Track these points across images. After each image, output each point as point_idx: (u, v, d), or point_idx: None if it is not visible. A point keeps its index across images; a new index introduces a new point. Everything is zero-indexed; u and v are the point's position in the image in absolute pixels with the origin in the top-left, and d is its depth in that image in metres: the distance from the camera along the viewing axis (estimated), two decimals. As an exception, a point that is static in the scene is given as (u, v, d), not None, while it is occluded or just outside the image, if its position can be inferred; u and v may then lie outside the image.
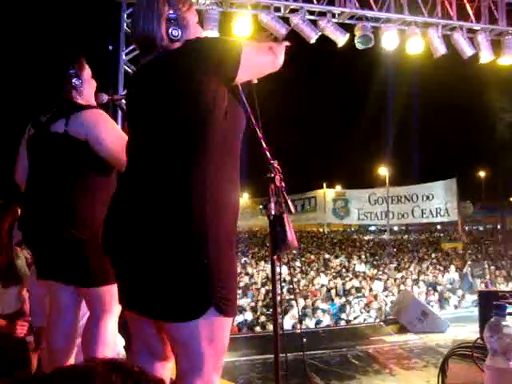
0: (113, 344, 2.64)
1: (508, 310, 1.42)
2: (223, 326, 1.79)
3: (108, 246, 1.90)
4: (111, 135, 2.60)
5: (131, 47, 7.22)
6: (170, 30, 1.92)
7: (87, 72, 2.81)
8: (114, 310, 2.64)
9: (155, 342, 1.93)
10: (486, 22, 8.58)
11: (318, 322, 10.01)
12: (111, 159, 2.57)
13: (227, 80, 1.85)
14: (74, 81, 2.71)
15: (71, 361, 2.69)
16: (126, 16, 7.39)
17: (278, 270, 2.12)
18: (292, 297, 10.65)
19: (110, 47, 6.82)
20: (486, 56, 8.60)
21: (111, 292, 2.57)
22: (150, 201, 1.77)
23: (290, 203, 2.00)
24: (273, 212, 1.98)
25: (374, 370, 5.32)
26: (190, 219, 1.72)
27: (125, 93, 2.35)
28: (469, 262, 17.19)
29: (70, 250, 2.56)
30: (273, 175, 2.00)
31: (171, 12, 1.94)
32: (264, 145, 2.08)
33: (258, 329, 9.56)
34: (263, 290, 13.08)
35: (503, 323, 1.37)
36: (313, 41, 7.85)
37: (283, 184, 2.01)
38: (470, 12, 8.50)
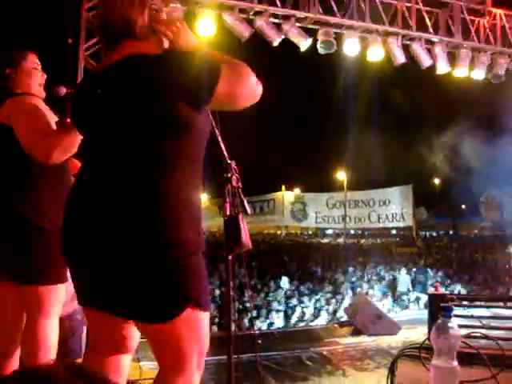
0: (54, 346, 2.56)
1: (454, 312, 1.47)
2: (201, 321, 1.80)
3: (72, 247, 1.85)
4: (26, 123, 2.49)
5: (92, 41, 7.08)
6: (152, 19, 1.86)
7: (28, 63, 2.72)
8: (53, 313, 2.55)
9: (121, 337, 1.91)
10: (443, 35, 8.84)
11: (271, 324, 10.05)
12: (27, 150, 2.43)
13: (198, 105, 1.78)
14: (7, 72, 2.66)
15: (15, 364, 2.60)
16: (87, 9, 7.23)
17: (239, 270, 2.13)
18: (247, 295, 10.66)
19: (70, 40, 6.66)
20: (442, 67, 8.86)
21: (53, 293, 2.51)
22: (120, 203, 1.74)
23: (246, 204, 2.01)
24: (228, 212, 1.98)
25: (327, 372, 5.40)
26: (164, 221, 1.71)
27: (80, 89, 2.16)
28: (421, 269, 17.63)
29: (9, 244, 2.48)
30: (229, 175, 1.99)
31: (154, 3, 1.88)
32: (222, 145, 2.08)
33: (214, 328, 9.52)
34: (217, 291, 13.03)
35: (449, 324, 1.41)
36: (276, 44, 7.89)
37: (240, 184, 2.01)
38: (429, 24, 8.73)
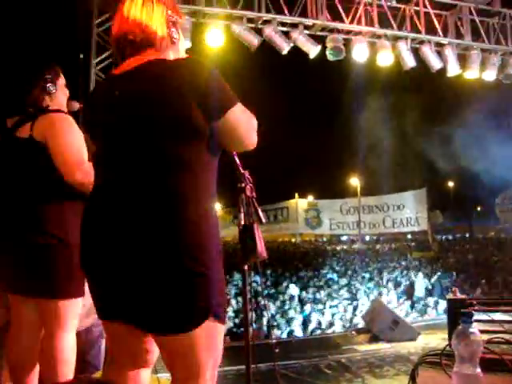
0: (72, 360, 2.56)
1: (474, 317, 1.45)
2: (218, 333, 1.79)
3: (91, 258, 1.84)
4: (68, 141, 2.51)
5: (102, 56, 7.16)
6: (171, 30, 1.86)
7: (62, 80, 2.76)
8: (71, 326, 2.55)
9: (140, 351, 1.90)
10: (452, 37, 8.81)
11: (290, 332, 10.00)
12: (61, 166, 2.46)
13: (211, 117, 1.77)
14: (48, 86, 2.66)
15: (34, 378, 2.61)
16: (97, 24, 7.32)
17: (255, 279, 2.12)
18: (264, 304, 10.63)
19: (81, 56, 6.75)
20: (453, 69, 8.83)
21: (71, 307, 2.51)
22: (140, 211, 1.73)
23: (260, 213, 2.00)
24: (242, 222, 1.97)
25: (346, 379, 5.34)
26: (186, 231, 1.71)
27: (94, 94, 2.11)
28: (439, 273, 17.47)
29: (33, 257, 2.48)
30: (243, 185, 1.99)
31: (170, 12, 1.87)
32: (235, 154, 2.08)
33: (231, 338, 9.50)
34: (233, 301, 13.01)
35: (470, 330, 1.39)
36: (285, 52, 7.92)
37: (254, 194, 2.01)
38: (438, 27, 8.72)
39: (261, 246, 1.94)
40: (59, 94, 2.73)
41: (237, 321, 11.13)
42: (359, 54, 8.29)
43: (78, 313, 2.60)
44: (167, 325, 1.71)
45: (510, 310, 2.74)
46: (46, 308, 2.52)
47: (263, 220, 2.00)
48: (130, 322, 1.79)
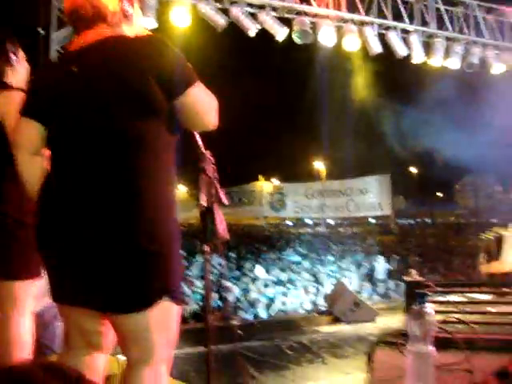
0: (28, 343, 2.51)
1: (431, 298, 1.49)
2: (174, 314, 1.78)
3: (47, 240, 1.80)
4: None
5: (64, 32, 6.93)
6: (123, 4, 1.81)
7: (21, 53, 2.65)
8: (27, 308, 2.48)
9: (96, 334, 1.88)
10: (418, 24, 8.91)
11: (253, 314, 10.09)
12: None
13: (171, 95, 1.75)
14: (11, 57, 2.53)
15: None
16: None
17: (218, 261, 2.11)
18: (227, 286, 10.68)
19: (41, 31, 6.51)
20: (418, 56, 8.93)
21: (28, 289, 2.46)
22: (96, 190, 1.69)
23: (221, 194, 1.99)
24: (203, 203, 1.95)
25: (307, 360, 5.45)
26: (143, 211, 1.68)
27: (46, 71, 2.02)
28: (398, 257, 17.88)
29: None
30: (204, 165, 1.97)
31: None
32: (197, 135, 2.06)
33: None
34: (198, 283, 13.00)
35: (425, 310, 1.43)
36: (252, 33, 7.85)
37: (216, 175, 1.99)
38: (404, 13, 8.79)
39: (222, 227, 1.94)
40: (20, 67, 2.63)
41: (202, 303, 11.13)
42: (326, 37, 8.29)
43: (34, 294, 2.54)
44: (121, 304, 1.69)
45: (465, 291, 2.83)
46: (1, 289, 2.46)
47: (225, 201, 1.98)
48: (84, 304, 1.76)
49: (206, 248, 2.00)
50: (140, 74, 1.70)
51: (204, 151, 2.01)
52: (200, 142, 2.04)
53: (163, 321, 1.73)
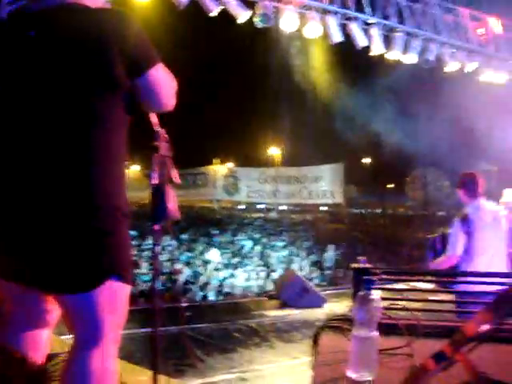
0: None
1: (377, 285, 1.52)
2: (123, 294, 1.75)
3: None
4: None
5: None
6: None
7: None
8: None
9: (40, 312, 1.82)
10: (379, 17, 9.01)
11: (202, 296, 10.10)
12: None
13: (133, 71, 1.71)
14: None
15: None
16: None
17: (169, 242, 2.09)
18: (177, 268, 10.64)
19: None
20: (377, 49, 9.05)
21: None
22: (46, 163, 1.63)
23: (174, 173, 1.96)
24: (155, 181, 1.92)
25: (254, 343, 5.51)
26: (89, 190, 1.64)
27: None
28: (346, 245, 18.28)
29: None
30: (158, 143, 1.93)
31: None
32: (152, 113, 2.01)
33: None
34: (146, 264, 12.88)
35: (370, 297, 1.46)
36: (213, 14, 7.73)
37: (169, 153, 1.96)
38: (366, 6, 8.86)
39: (172, 206, 1.91)
40: None
41: (150, 284, 11.02)
42: (288, 23, 8.27)
43: None
44: (69, 283, 1.65)
45: (411, 279, 2.92)
46: None
47: (176, 180, 1.95)
48: (30, 283, 1.71)
49: (156, 228, 1.97)
50: (103, 46, 1.64)
51: (158, 129, 1.97)
52: (155, 120, 2.00)
53: (112, 301, 1.70)
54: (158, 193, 1.91)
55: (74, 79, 1.64)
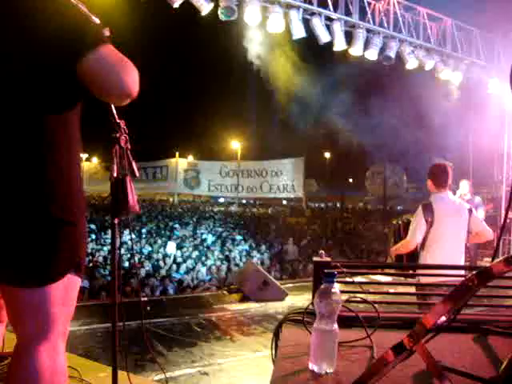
0: None
1: (337, 279, 1.53)
2: (75, 287, 1.72)
3: None
4: None
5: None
6: None
7: None
8: None
9: None
10: (341, 13, 9.09)
11: (164, 291, 10.01)
12: None
13: (73, 57, 1.58)
14: None
15: None
16: None
17: (129, 237, 2.04)
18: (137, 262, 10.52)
19: None
20: (339, 44, 9.13)
21: None
22: (6, 164, 1.58)
23: (134, 166, 1.92)
24: (115, 174, 1.88)
25: (215, 337, 5.50)
26: (45, 184, 1.60)
27: None
28: (307, 238, 18.48)
29: None
30: (117, 135, 1.88)
31: None
32: (111, 104, 1.96)
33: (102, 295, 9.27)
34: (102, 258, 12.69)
35: (331, 290, 1.47)
36: (176, 5, 7.63)
37: (129, 145, 1.91)
38: (329, 1, 8.92)
39: (133, 200, 1.87)
40: None
41: (110, 279, 10.86)
42: (251, 17, 8.24)
43: None
44: (27, 277, 1.61)
45: (370, 272, 2.97)
46: None
47: (137, 173, 1.92)
48: None
49: (116, 221, 1.94)
50: (41, 30, 1.57)
51: (118, 121, 1.92)
52: (114, 112, 1.94)
53: (65, 294, 1.67)
54: (118, 186, 1.87)
55: (14, 70, 1.58)
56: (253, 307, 6.95)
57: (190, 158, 30.76)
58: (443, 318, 1.18)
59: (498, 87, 11.02)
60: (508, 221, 10.07)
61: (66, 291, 1.66)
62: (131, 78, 1.65)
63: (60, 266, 1.63)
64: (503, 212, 11.20)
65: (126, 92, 1.65)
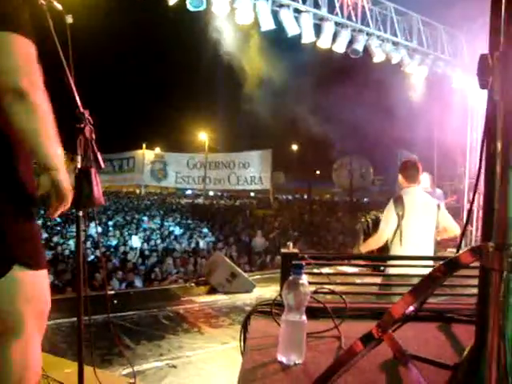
0: None
1: (305, 270, 1.53)
2: (36, 281, 1.67)
3: None
4: None
5: None
6: None
7: None
8: None
9: None
10: (311, 6, 9.10)
11: (130, 284, 9.91)
12: None
13: None
14: None
15: None
16: None
17: (95, 230, 2.00)
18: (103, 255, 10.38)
19: None
20: (308, 37, 9.15)
21: None
22: None
23: (99, 157, 1.87)
24: (79, 165, 1.83)
25: (183, 329, 5.47)
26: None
27: None
28: (274, 230, 18.55)
29: None
30: (82, 125, 1.83)
31: None
32: (75, 93, 1.90)
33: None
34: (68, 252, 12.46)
35: (300, 281, 1.48)
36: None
37: (93, 136, 1.86)
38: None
39: (98, 192, 1.82)
40: None
41: (75, 272, 10.67)
42: (219, 8, 8.17)
43: None
44: None
45: (337, 264, 3.00)
46: None
47: (102, 165, 1.87)
48: None
49: (80, 213, 1.89)
50: None
51: (82, 111, 1.87)
52: (78, 101, 1.89)
53: (23, 291, 1.63)
54: (83, 177, 1.82)
55: None
56: (221, 299, 6.95)
57: (157, 150, 30.43)
58: (411, 308, 1.19)
59: (461, 82, 11.26)
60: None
61: (21, 286, 1.62)
62: (28, 79, 1.53)
63: (2, 261, 1.58)
64: (466, 204, 11.51)
65: (16, 87, 1.52)
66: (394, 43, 10.31)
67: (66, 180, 1.67)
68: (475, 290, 1.17)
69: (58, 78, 1.80)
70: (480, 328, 1.10)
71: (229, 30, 9.62)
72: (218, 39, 9.88)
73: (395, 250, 4.25)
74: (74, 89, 1.87)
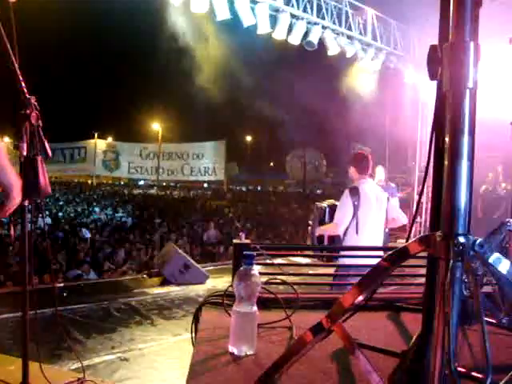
0: None
1: (257, 260, 1.54)
2: None
3: None
4: None
5: None
6: None
7: None
8: None
9: None
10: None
11: (80, 276, 9.70)
12: None
13: None
14: None
15: None
16: None
17: (42, 221, 1.93)
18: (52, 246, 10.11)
19: None
20: (263, 27, 9.14)
21: None
22: None
23: (46, 145, 1.80)
24: (25, 153, 1.75)
25: (135, 322, 5.41)
26: None
27: None
28: (228, 221, 18.57)
29: None
30: (28, 112, 1.75)
31: None
32: (20, 78, 1.81)
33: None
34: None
35: (250, 272, 1.47)
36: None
37: (40, 123, 1.78)
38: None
39: (44, 181, 1.76)
40: None
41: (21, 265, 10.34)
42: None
43: None
44: None
45: (289, 254, 3.03)
46: None
47: (49, 153, 1.80)
48: None
49: (26, 203, 1.82)
50: None
51: (28, 96, 1.78)
52: (24, 87, 1.80)
53: None
54: (28, 165, 1.74)
55: None
56: (173, 290, 6.90)
57: (110, 139, 29.80)
58: (360, 298, 1.21)
59: (413, 77, 11.54)
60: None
61: None
62: None
63: None
64: (415, 196, 11.85)
65: None
66: (349, 37, 10.44)
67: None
68: (424, 280, 1.20)
69: (2, 62, 1.72)
70: (426, 316, 1.13)
71: (183, 18, 9.49)
72: (172, 27, 9.73)
73: (350, 240, 4.32)
74: (19, 73, 1.78)
